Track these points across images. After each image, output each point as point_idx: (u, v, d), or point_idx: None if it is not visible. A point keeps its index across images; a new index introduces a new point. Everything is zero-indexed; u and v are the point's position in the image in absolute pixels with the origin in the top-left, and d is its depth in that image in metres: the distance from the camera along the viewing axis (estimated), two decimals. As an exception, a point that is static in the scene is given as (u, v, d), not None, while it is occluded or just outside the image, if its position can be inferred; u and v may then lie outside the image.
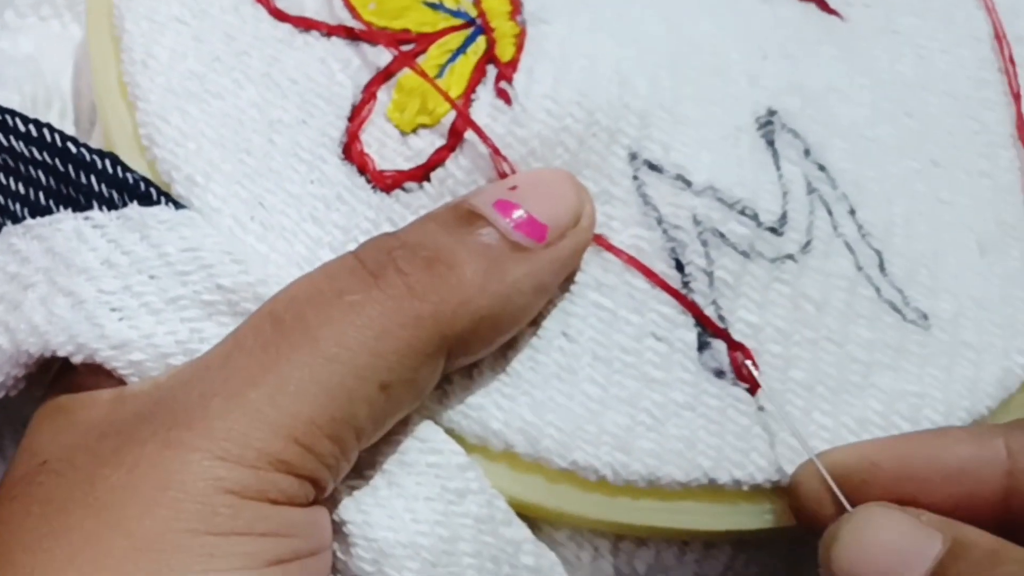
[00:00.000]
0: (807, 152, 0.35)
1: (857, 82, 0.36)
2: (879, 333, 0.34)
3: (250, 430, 0.28)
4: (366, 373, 0.29)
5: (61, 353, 0.31)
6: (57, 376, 0.32)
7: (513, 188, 0.31)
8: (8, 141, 0.33)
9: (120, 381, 0.31)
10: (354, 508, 0.31)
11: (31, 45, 0.36)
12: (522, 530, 0.32)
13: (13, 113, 0.33)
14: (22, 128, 0.33)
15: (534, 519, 0.33)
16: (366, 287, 0.29)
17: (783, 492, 0.33)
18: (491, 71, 0.34)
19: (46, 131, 0.32)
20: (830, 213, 0.34)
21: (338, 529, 0.31)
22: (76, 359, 0.31)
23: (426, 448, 0.32)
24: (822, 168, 0.35)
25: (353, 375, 0.29)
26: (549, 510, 0.32)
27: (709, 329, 0.33)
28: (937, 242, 0.35)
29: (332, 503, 0.31)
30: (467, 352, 0.31)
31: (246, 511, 0.28)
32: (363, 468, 0.31)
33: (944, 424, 0.33)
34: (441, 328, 0.30)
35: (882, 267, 0.34)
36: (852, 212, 0.35)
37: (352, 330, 0.29)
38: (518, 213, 0.31)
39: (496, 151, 0.33)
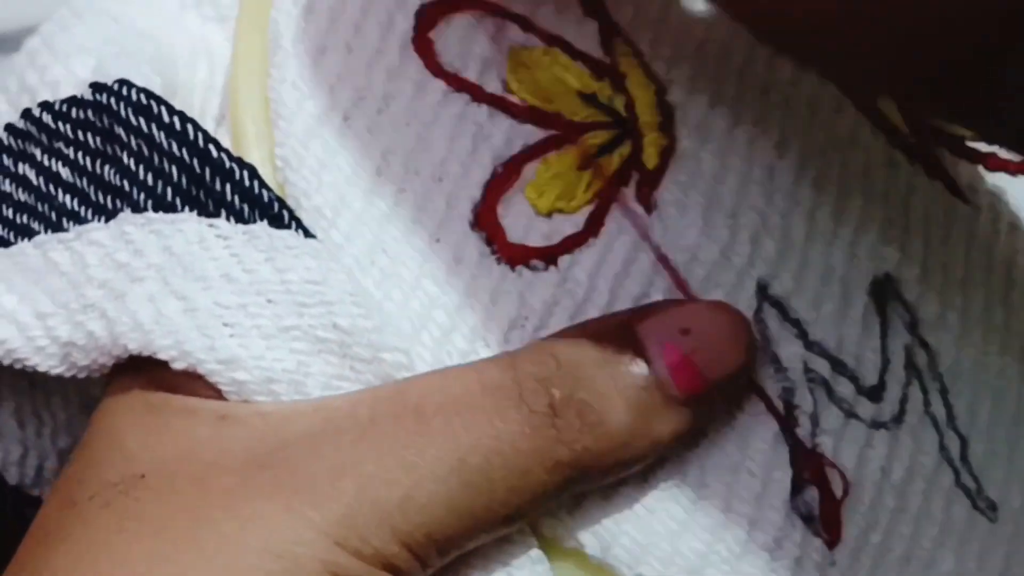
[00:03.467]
0: (913, 325, 0.35)
1: (975, 292, 0.36)
2: (951, 516, 0.34)
3: (372, 527, 0.28)
4: (499, 507, 0.29)
5: (162, 356, 0.30)
6: (135, 363, 0.31)
7: (686, 332, 0.31)
8: (148, 128, 0.31)
9: (216, 391, 0.30)
10: None
11: (153, 23, 0.35)
12: None
13: (160, 100, 0.32)
14: (166, 118, 0.32)
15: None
16: (520, 420, 0.29)
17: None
18: (634, 176, 0.34)
19: (190, 127, 0.32)
20: (925, 391, 0.35)
21: None
22: (177, 365, 0.30)
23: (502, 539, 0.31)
24: (925, 345, 0.35)
25: (487, 506, 0.29)
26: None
27: (809, 474, 0.33)
28: (1015, 437, 0.35)
29: None
30: (588, 488, 0.31)
31: None
32: None
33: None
34: (576, 474, 0.29)
35: (963, 454, 0.35)
36: (944, 393, 0.35)
37: (499, 460, 0.29)
38: (683, 361, 0.30)
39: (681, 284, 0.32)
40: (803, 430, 0.33)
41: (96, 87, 0.33)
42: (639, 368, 0.30)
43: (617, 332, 0.30)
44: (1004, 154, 0.39)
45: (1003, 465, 0.35)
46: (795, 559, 0.32)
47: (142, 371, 0.31)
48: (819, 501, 0.33)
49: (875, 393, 0.34)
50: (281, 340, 0.30)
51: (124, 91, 0.32)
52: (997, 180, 0.38)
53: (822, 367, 0.33)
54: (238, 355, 0.30)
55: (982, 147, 0.38)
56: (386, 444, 0.29)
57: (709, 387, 0.31)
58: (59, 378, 0.34)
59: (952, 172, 0.38)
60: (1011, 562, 0.34)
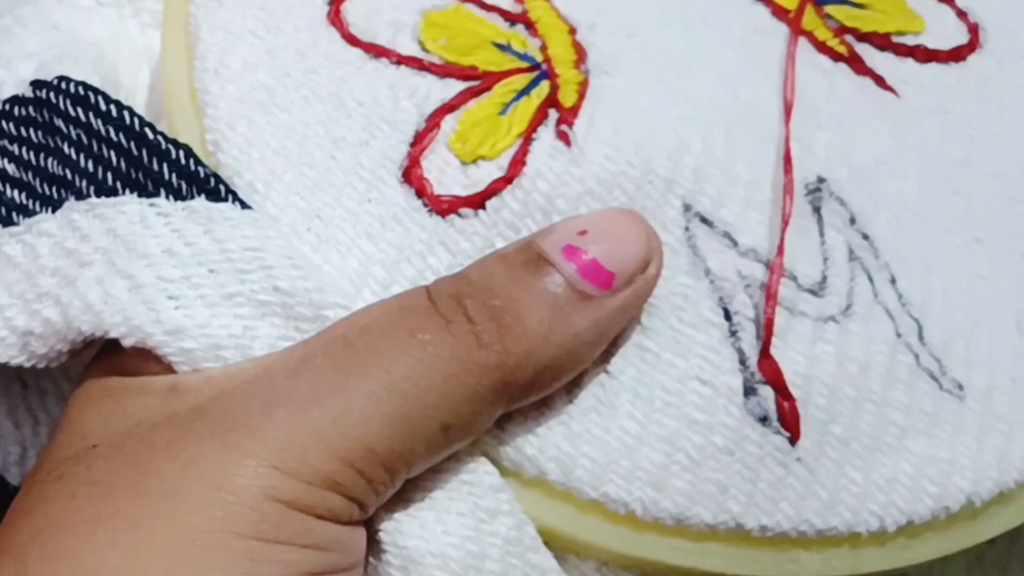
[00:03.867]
0: (852, 220, 0.36)
1: (906, 157, 0.37)
2: (916, 399, 0.34)
3: (309, 447, 0.29)
4: (431, 412, 0.30)
5: (113, 334, 0.31)
6: (99, 356, 0.32)
7: (583, 232, 0.32)
8: (86, 117, 0.33)
9: (168, 368, 0.31)
10: (387, 516, 0.31)
11: (96, 32, 0.37)
12: (549, 559, 0.32)
13: (96, 91, 0.33)
14: (103, 107, 0.33)
15: (561, 549, 0.33)
16: (438, 330, 0.30)
17: (806, 542, 0.33)
18: (552, 115, 0.35)
19: (126, 113, 0.33)
20: (871, 280, 0.35)
21: (371, 537, 0.31)
22: (127, 342, 0.31)
23: (461, 466, 0.32)
24: (866, 237, 0.35)
25: (418, 412, 0.30)
26: (577, 540, 0.32)
27: (760, 375, 0.33)
28: (974, 317, 0.36)
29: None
30: (525, 397, 0.31)
31: (292, 522, 0.29)
32: None
33: (972, 493, 0.34)
34: (504, 377, 0.30)
35: (921, 336, 0.35)
36: (893, 281, 0.35)
37: (422, 367, 0.30)
38: (586, 259, 0.31)
39: None
40: (747, 333, 0.34)
41: (36, 84, 0.34)
42: (545, 272, 0.31)
43: (522, 250, 0.32)
44: (932, 44, 0.39)
45: (964, 346, 0.35)
46: (756, 458, 0.33)
47: (102, 362, 0.32)
48: (774, 400, 0.33)
49: (818, 288, 0.35)
50: (225, 307, 0.31)
51: (63, 85, 0.34)
52: (927, 71, 0.39)
53: (757, 271, 0.34)
54: (184, 325, 0.31)
55: (909, 41, 0.39)
56: (316, 372, 0.30)
57: (615, 277, 0.31)
58: (51, 376, 0.36)
59: (880, 69, 0.38)
60: (983, 444, 0.35)
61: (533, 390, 0.31)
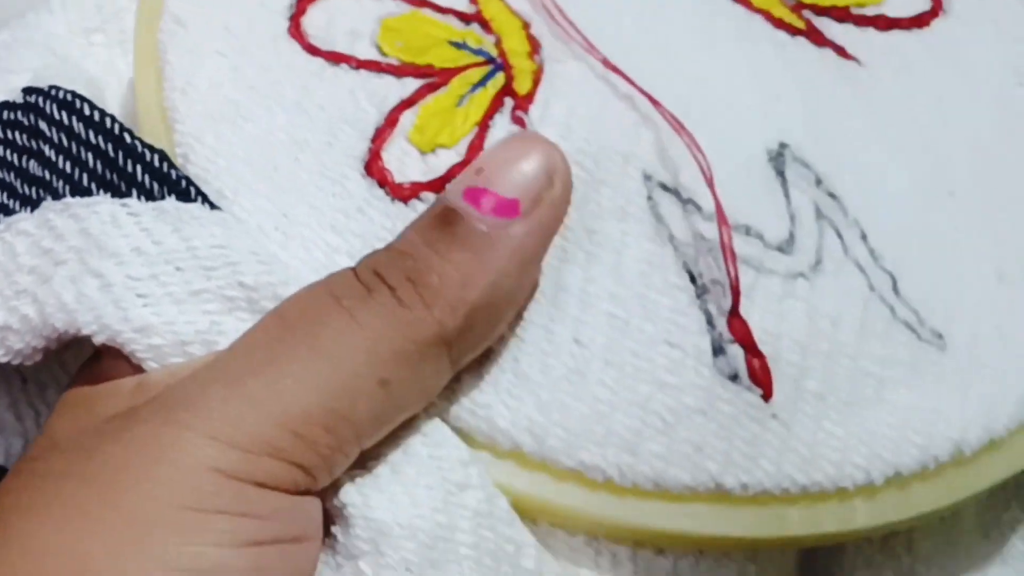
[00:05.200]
0: (818, 181, 0.36)
1: (871, 121, 0.37)
2: (893, 350, 0.34)
3: (244, 415, 0.29)
4: (363, 370, 0.30)
5: (85, 332, 0.32)
6: (83, 366, 0.33)
7: (480, 171, 0.32)
8: (69, 120, 0.34)
9: (139, 370, 0.32)
10: (355, 491, 0.31)
11: (89, 66, 0.39)
12: (524, 533, 0.32)
13: (82, 98, 0.35)
14: (87, 112, 0.34)
15: (550, 524, 0.33)
16: (361, 298, 0.31)
17: (791, 499, 0.32)
18: (508, 103, 0.36)
19: (108, 119, 0.34)
20: (840, 237, 0.35)
21: (339, 513, 0.31)
22: (98, 339, 0.32)
23: (429, 441, 0.32)
24: (832, 196, 0.35)
25: (350, 371, 0.30)
26: (557, 509, 0.32)
27: (728, 334, 0.33)
28: (952, 269, 0.35)
29: (332, 490, 0.31)
30: (471, 343, 0.32)
31: (229, 491, 0.29)
32: (366, 459, 0.31)
33: (959, 441, 0.33)
34: (434, 329, 0.31)
35: (896, 288, 0.35)
36: (864, 237, 0.35)
37: (348, 330, 0.30)
38: (485, 196, 0.32)
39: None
40: (713, 296, 0.34)
41: (28, 90, 0.36)
42: (454, 222, 0.31)
43: (431, 209, 0.32)
44: (892, 13, 0.39)
45: (942, 297, 0.35)
46: (730, 417, 0.33)
47: (84, 371, 0.33)
48: (744, 358, 0.33)
49: (786, 247, 0.35)
50: (192, 304, 0.32)
51: (53, 92, 0.35)
52: (890, 38, 0.39)
53: (724, 236, 0.34)
54: (151, 322, 0.32)
55: (869, 12, 0.39)
56: (251, 347, 0.30)
57: (519, 203, 0.32)
58: (50, 370, 0.36)
59: (840, 40, 0.38)
60: (969, 392, 0.34)
61: (473, 334, 0.31)
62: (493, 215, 0.31)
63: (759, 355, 0.33)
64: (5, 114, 0.36)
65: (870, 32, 0.39)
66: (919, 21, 0.39)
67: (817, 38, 0.38)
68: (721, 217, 0.34)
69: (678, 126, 0.35)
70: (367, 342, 0.30)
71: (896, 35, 0.39)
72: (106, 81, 0.39)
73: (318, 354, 0.30)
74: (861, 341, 0.34)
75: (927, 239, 0.36)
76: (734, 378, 0.33)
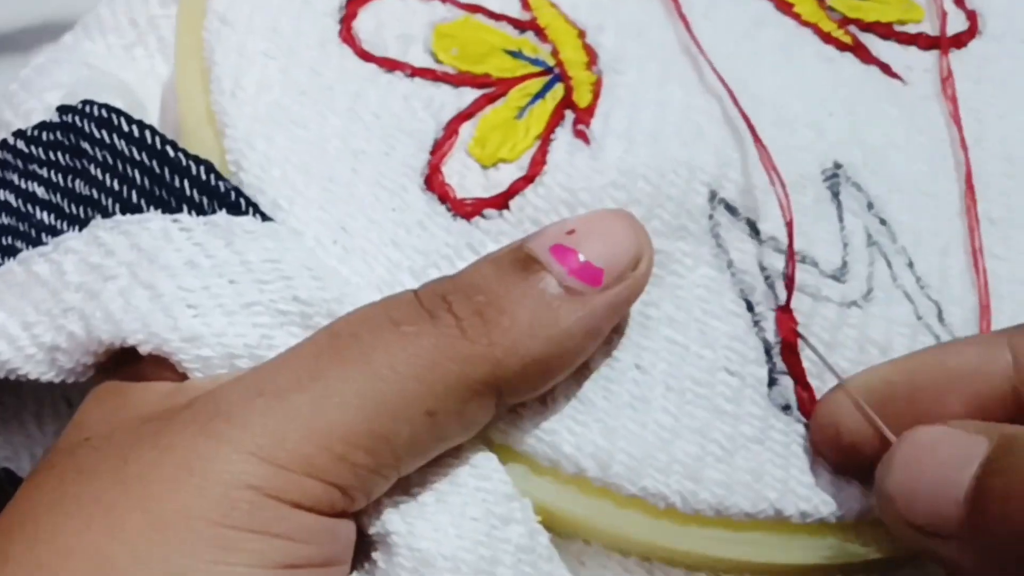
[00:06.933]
0: (870, 205, 0.36)
1: (916, 140, 0.37)
2: None
3: (286, 431, 0.29)
4: (412, 397, 0.30)
5: (131, 341, 0.31)
6: (117, 367, 0.32)
7: (571, 232, 0.32)
8: (110, 138, 0.34)
9: (182, 378, 0.31)
10: (399, 520, 0.31)
11: (127, 75, 0.38)
12: (562, 569, 0.32)
13: (119, 112, 0.34)
14: (125, 128, 0.34)
15: (605, 547, 0.33)
16: (422, 322, 0.30)
17: (847, 528, 0.33)
18: (569, 116, 0.36)
19: (147, 133, 0.33)
20: (889, 265, 0.36)
21: (382, 540, 0.31)
22: (145, 348, 0.31)
23: (476, 473, 0.32)
24: (883, 222, 0.36)
25: (399, 396, 0.29)
26: (619, 535, 0.33)
27: (782, 364, 0.34)
28: (993, 295, 0.36)
29: (376, 516, 0.31)
30: (517, 392, 0.32)
31: (265, 510, 0.28)
32: (411, 486, 0.31)
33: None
34: (490, 368, 0.30)
35: (940, 317, 0.35)
36: (910, 265, 0.36)
37: (403, 356, 0.30)
38: (574, 257, 0.31)
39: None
40: (769, 323, 0.34)
41: (62, 109, 0.35)
42: (534, 272, 0.31)
43: (511, 251, 0.32)
44: (932, 32, 0.40)
45: (984, 325, 0.36)
46: (784, 446, 0.33)
47: (118, 369, 0.32)
48: (794, 389, 0.34)
49: (839, 274, 0.35)
50: (243, 316, 0.32)
51: (87, 109, 0.34)
52: (931, 57, 0.39)
53: (777, 261, 0.35)
54: (200, 332, 0.31)
55: (911, 29, 0.39)
56: (299, 361, 0.30)
57: (604, 274, 0.32)
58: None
59: (884, 57, 0.39)
60: None
61: (524, 384, 0.31)
62: (576, 278, 0.31)
63: (808, 387, 0.34)
64: (45, 135, 0.35)
65: (912, 51, 0.39)
66: (957, 41, 0.40)
67: (864, 55, 0.39)
68: (791, 253, 0.34)
69: (761, 148, 0.35)
70: (421, 370, 0.30)
71: (936, 55, 0.39)
72: (144, 84, 0.38)
73: (369, 376, 0.29)
74: None
75: (969, 266, 0.36)
76: (786, 408, 0.34)
